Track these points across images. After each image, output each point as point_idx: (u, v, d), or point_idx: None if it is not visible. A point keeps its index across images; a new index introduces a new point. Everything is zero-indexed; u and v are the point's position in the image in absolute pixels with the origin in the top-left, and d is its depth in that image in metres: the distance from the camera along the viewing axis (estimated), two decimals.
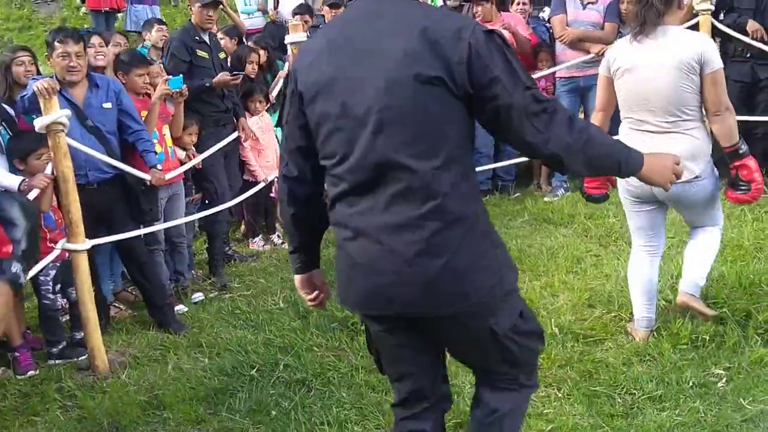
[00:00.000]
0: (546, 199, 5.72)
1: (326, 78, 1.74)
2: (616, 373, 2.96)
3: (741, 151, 2.93)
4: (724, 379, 2.89)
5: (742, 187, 2.99)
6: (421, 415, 1.98)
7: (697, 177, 2.92)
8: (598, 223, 4.92)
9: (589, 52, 5.51)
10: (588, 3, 5.61)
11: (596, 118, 3.21)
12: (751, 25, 5.07)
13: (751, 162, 2.96)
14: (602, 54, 5.46)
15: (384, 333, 1.89)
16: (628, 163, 1.77)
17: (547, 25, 6.06)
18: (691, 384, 2.84)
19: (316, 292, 2.09)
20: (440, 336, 1.88)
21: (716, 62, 2.87)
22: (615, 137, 2.45)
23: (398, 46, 1.66)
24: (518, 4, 6.12)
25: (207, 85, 4.63)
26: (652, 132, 2.95)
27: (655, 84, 2.91)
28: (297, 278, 2.07)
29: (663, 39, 2.92)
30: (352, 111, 1.70)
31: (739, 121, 3.03)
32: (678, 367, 2.97)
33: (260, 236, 5.47)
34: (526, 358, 1.92)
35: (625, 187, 3.07)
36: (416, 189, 1.67)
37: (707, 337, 3.14)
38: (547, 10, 6.15)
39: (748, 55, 5.18)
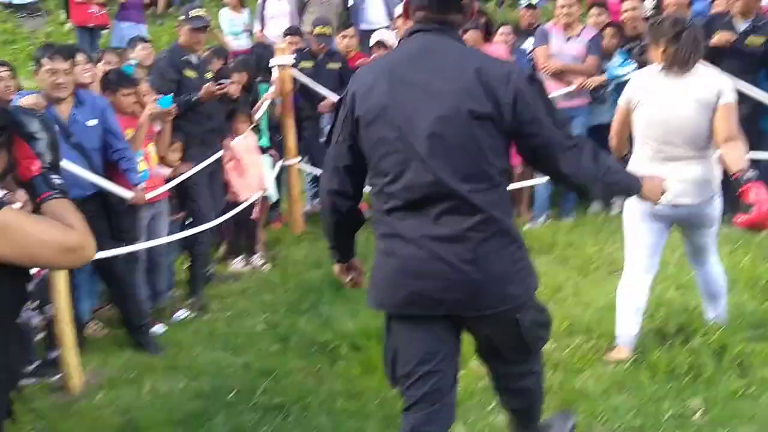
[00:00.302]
0: (527, 226, 5.77)
1: (385, 105, 1.98)
2: (596, 403, 2.98)
3: (749, 176, 2.98)
4: (701, 411, 2.92)
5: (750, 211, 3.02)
6: (437, 418, 2.13)
7: (712, 196, 3.20)
8: (577, 252, 4.96)
9: (571, 84, 5.61)
10: (571, 36, 5.72)
11: (613, 144, 3.39)
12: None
13: (759, 186, 2.96)
14: (584, 86, 5.62)
15: (419, 333, 2.10)
16: (633, 186, 2.20)
17: (530, 56, 6.15)
18: (669, 415, 2.87)
19: (354, 275, 2.39)
20: (473, 329, 2.18)
21: (731, 95, 3.09)
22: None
23: (455, 83, 1.94)
24: (501, 34, 6.22)
25: (194, 99, 4.62)
26: (670, 160, 3.13)
27: (677, 117, 3.10)
28: (337, 266, 2.40)
29: (688, 74, 3.11)
30: (409, 136, 1.95)
31: None
32: (656, 397, 3.00)
33: (241, 257, 5.45)
34: (536, 346, 2.25)
35: (644, 204, 3.06)
36: (463, 206, 1.96)
37: (684, 369, 3.18)
38: (530, 41, 6.26)
39: None
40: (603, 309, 3.81)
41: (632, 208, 3.33)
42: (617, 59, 5.70)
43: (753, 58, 5.14)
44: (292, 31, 6.71)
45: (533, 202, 6.06)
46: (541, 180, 5.89)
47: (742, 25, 5.12)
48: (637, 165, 3.15)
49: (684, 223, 3.33)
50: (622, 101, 3.30)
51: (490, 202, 1.98)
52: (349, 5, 9.69)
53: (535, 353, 2.30)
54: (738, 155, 3.04)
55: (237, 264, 5.41)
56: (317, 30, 6.13)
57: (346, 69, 6.07)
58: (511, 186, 5.96)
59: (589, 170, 2.02)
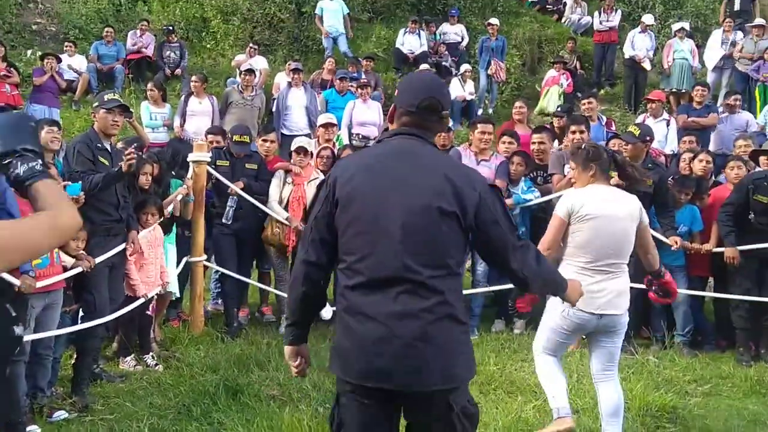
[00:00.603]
0: None
1: (364, 192, 2.23)
2: None
3: (662, 272, 3.72)
4: None
5: (661, 294, 3.80)
6: None
7: (627, 310, 3.56)
8: (479, 370, 4.98)
9: None
10: (482, 159, 6.04)
11: (547, 253, 3.56)
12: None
13: (668, 276, 3.78)
14: None
15: (364, 417, 2.25)
16: (562, 285, 2.52)
17: None
18: None
19: (302, 363, 2.49)
20: (410, 407, 2.28)
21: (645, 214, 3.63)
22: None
23: (427, 182, 2.23)
24: None
25: (116, 171, 4.49)
26: (602, 271, 3.49)
27: (621, 230, 3.50)
28: (288, 349, 2.47)
29: (612, 193, 3.59)
30: (382, 221, 2.19)
31: None
32: None
33: (132, 356, 5.15)
34: None
35: (572, 318, 3.50)
36: (421, 289, 2.17)
37: None
38: None
39: None
40: (502, 430, 3.81)
41: (557, 316, 3.57)
42: (523, 185, 6.03)
43: (645, 198, 5.55)
44: (215, 131, 6.76)
45: None
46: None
47: None
48: (568, 274, 3.18)
49: (602, 331, 3.58)
50: (561, 214, 3.57)
51: (446, 288, 2.20)
52: (272, 110, 9.94)
53: None
54: (656, 259, 3.67)
55: (128, 362, 5.10)
56: (236, 138, 6.16)
57: (263, 171, 6.11)
58: None
59: (533, 268, 2.32)
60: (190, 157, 5.73)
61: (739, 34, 11.28)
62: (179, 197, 5.55)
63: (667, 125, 8.37)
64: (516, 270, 2.31)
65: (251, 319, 6.43)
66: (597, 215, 3.49)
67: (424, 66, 11.24)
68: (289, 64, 10.88)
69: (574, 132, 6.14)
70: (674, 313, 5.85)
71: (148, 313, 5.14)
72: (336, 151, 6.63)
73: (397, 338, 2.14)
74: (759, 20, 11.46)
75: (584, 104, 7.87)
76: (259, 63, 11.07)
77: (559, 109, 8.51)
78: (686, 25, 11.45)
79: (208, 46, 13.02)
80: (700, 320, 5.99)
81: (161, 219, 5.28)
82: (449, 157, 2.51)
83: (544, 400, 4.36)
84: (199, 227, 5.74)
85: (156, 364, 5.10)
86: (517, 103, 8.35)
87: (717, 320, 6.11)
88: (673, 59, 11.08)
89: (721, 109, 9.16)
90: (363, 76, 10.66)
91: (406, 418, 2.32)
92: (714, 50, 11.26)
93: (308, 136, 8.26)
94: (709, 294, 6.08)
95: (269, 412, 4.09)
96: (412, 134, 2.35)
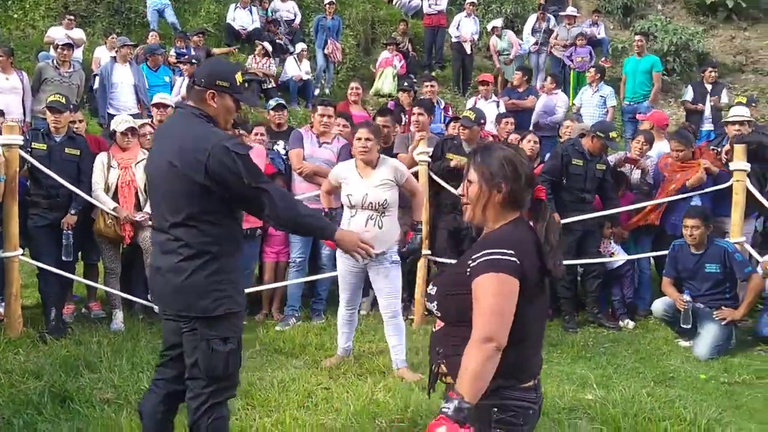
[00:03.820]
0: (277, 328, 5.67)
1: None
2: None
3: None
4: None
5: None
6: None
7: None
8: (328, 354, 4.96)
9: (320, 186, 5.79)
10: (324, 142, 5.96)
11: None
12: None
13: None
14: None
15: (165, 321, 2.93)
16: (324, 230, 2.92)
17: (284, 157, 6.27)
18: None
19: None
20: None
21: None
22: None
23: (170, 145, 2.78)
24: (257, 134, 6.28)
25: None
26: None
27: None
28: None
29: None
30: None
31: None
32: None
33: None
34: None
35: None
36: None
37: None
38: (281, 143, 6.45)
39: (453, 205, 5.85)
40: (354, 414, 3.80)
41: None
42: None
43: None
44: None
45: (284, 303, 6.01)
46: (295, 281, 5.91)
47: (467, 149, 5.81)
48: None
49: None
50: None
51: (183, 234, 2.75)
52: (93, 87, 9.19)
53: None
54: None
55: None
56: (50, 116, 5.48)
57: (87, 156, 5.57)
58: (264, 287, 5.97)
59: (281, 210, 2.72)
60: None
61: (553, 21, 12.13)
62: None
63: (498, 106, 8.79)
64: (269, 215, 2.73)
65: (77, 316, 5.91)
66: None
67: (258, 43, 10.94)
68: (112, 37, 10.10)
69: (415, 114, 6.24)
70: None
71: None
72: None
73: (157, 270, 2.82)
74: (571, 10, 12.38)
75: (426, 87, 8.05)
76: (77, 36, 10.17)
77: (406, 84, 8.63)
78: (498, 23, 12.09)
79: (16, 16, 11.75)
80: None
81: None
82: (195, 125, 2.76)
83: (394, 378, 4.45)
84: (13, 218, 5.12)
85: None
86: (353, 84, 8.35)
87: None
88: (498, 54, 11.72)
89: (539, 93, 9.80)
90: (192, 52, 10.16)
91: None
92: (528, 36, 12.03)
93: (135, 116, 7.72)
94: None
95: (103, 418, 3.76)
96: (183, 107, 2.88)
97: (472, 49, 12.03)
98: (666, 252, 5.76)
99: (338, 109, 7.17)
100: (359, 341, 5.21)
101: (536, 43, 11.88)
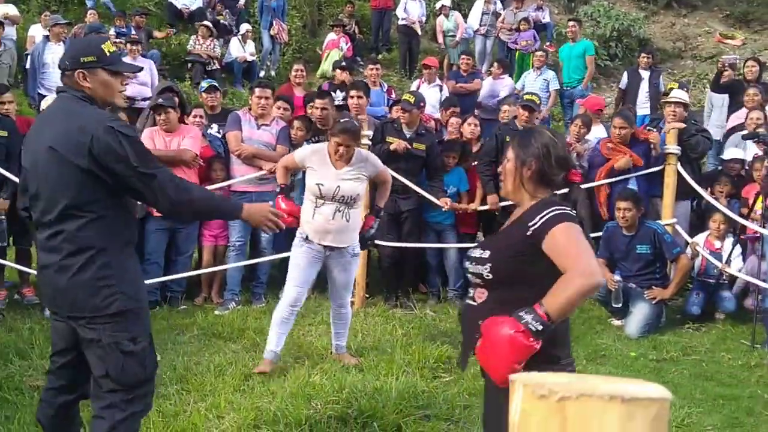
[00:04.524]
0: (216, 312, 5.62)
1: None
2: None
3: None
4: None
5: None
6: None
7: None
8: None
9: (262, 169, 5.74)
10: (262, 124, 5.90)
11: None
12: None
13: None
14: (273, 172, 5.78)
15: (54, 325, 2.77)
16: (227, 210, 2.94)
17: (223, 140, 6.19)
18: None
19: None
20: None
21: None
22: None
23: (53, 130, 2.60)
24: (195, 116, 6.18)
25: None
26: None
27: None
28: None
29: None
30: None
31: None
32: None
33: None
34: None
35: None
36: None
37: None
38: (215, 126, 6.39)
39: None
40: (289, 397, 3.81)
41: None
42: None
43: (417, 161, 5.88)
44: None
45: (224, 287, 5.96)
46: (234, 264, 5.86)
47: (407, 133, 5.85)
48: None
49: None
50: None
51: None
52: (26, 67, 8.90)
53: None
54: None
55: None
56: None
57: (16, 138, 5.39)
58: (203, 270, 5.89)
59: (174, 196, 2.55)
60: None
61: (500, 5, 12.20)
62: None
63: (440, 90, 8.83)
64: (160, 202, 2.57)
65: (9, 302, 5.76)
66: None
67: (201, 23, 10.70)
68: (45, 15, 9.76)
69: (353, 97, 6.23)
70: (446, 270, 6.26)
71: None
72: None
73: (43, 269, 2.65)
74: None
75: (370, 70, 8.03)
76: (11, 13, 9.79)
77: (344, 64, 8.58)
78: (447, 1, 12.10)
79: None
80: None
81: None
82: (76, 108, 2.59)
83: (332, 361, 4.47)
84: None
85: None
86: (296, 66, 8.21)
87: None
88: (444, 35, 11.73)
89: (484, 76, 9.88)
90: (133, 32, 9.90)
91: None
92: (474, 19, 12.09)
93: None
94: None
95: (33, 405, 3.68)
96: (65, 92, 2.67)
97: (422, 31, 12.04)
98: (600, 234, 5.91)
99: (281, 92, 7.11)
100: (298, 324, 5.21)
101: (482, 25, 11.93)
